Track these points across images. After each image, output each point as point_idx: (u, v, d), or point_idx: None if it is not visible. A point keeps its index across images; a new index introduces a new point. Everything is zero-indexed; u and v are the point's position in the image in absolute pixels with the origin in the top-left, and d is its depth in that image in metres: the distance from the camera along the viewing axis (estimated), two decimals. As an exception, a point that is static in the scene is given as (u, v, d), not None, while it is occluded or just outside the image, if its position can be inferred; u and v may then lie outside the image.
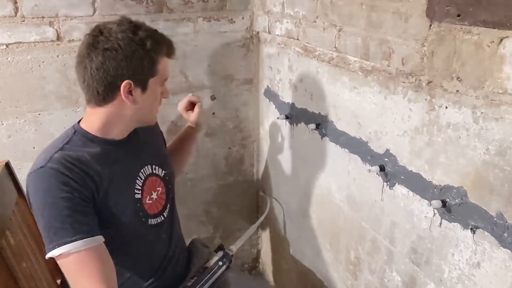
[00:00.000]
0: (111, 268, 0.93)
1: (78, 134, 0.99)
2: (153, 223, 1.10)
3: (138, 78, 0.95)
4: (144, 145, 1.11)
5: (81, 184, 0.92)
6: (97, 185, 0.96)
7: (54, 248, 0.88)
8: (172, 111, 1.49)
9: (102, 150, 0.99)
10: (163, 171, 1.15)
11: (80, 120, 1.03)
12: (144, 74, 0.96)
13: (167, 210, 1.15)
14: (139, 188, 1.06)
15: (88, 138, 0.99)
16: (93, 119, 1.00)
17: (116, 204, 1.00)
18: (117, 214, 1.01)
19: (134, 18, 1.37)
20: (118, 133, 1.02)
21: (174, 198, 1.21)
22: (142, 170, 1.09)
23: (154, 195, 1.11)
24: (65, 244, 0.88)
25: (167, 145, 1.33)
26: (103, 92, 0.95)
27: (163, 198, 1.14)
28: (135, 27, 0.96)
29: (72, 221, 0.89)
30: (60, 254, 0.88)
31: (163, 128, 1.40)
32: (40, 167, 0.91)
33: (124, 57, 0.92)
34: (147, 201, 1.08)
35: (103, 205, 0.97)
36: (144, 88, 0.97)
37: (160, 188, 1.13)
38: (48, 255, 0.89)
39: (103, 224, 0.95)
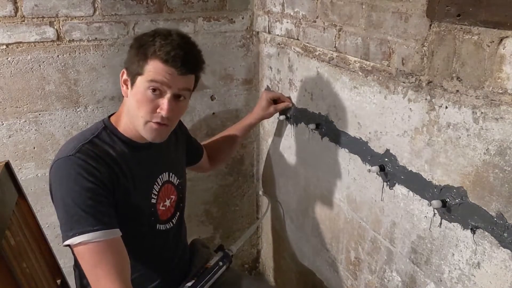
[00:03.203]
0: (127, 262, 0.94)
1: (107, 129, 1.02)
2: (161, 228, 1.11)
3: (130, 70, 0.97)
4: (165, 151, 1.12)
5: (106, 177, 0.94)
6: (119, 181, 0.97)
7: (74, 235, 0.88)
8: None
9: (127, 150, 1.02)
10: (178, 180, 1.17)
11: (111, 115, 1.06)
12: (134, 68, 0.96)
13: (176, 217, 1.17)
14: (156, 193, 1.08)
15: (116, 135, 1.02)
16: (119, 113, 1.04)
17: (132, 204, 1.01)
18: (130, 215, 1.02)
19: (134, 18, 1.39)
20: (138, 135, 1.02)
21: (184, 207, 1.22)
22: (160, 176, 1.10)
23: (168, 202, 1.13)
24: (86, 233, 0.88)
25: (217, 136, 1.44)
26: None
27: (173, 206, 1.16)
28: (165, 31, 0.96)
29: (94, 211, 0.90)
30: (79, 243, 0.88)
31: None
32: (68, 156, 0.93)
33: (131, 48, 0.98)
34: (161, 207, 1.10)
35: (120, 203, 0.98)
36: (132, 83, 0.97)
37: (173, 196, 1.15)
38: (66, 242, 0.90)
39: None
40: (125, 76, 0.99)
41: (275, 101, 1.43)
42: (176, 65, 0.93)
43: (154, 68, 0.93)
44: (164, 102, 0.94)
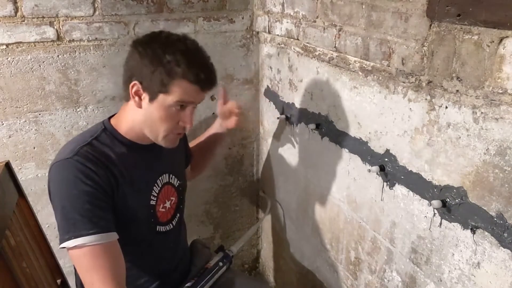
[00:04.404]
0: (122, 266, 0.94)
1: (107, 131, 1.02)
2: (161, 230, 1.11)
3: (147, 85, 0.95)
4: (165, 153, 1.11)
5: (104, 180, 0.94)
6: (118, 184, 0.97)
7: (70, 238, 0.88)
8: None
9: (127, 152, 1.01)
10: (178, 182, 1.17)
11: (111, 116, 1.06)
12: (153, 85, 0.94)
13: (176, 219, 1.16)
14: (155, 195, 1.08)
15: (116, 137, 1.02)
16: (121, 116, 1.04)
17: (131, 207, 1.01)
18: (130, 217, 1.02)
19: (134, 18, 1.39)
20: (140, 138, 1.03)
21: (184, 209, 1.22)
22: (160, 178, 1.10)
23: (167, 204, 1.12)
24: (81, 237, 0.88)
25: (194, 141, 1.39)
26: (123, 85, 1.00)
27: (174, 208, 1.15)
28: (181, 45, 0.95)
29: (91, 215, 0.90)
30: (74, 246, 0.88)
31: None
32: (67, 158, 0.93)
33: (144, 60, 0.95)
34: (160, 209, 1.10)
35: (119, 205, 0.98)
36: (152, 98, 0.96)
37: (173, 198, 1.15)
38: (62, 245, 0.90)
39: (114, 224, 0.96)
40: (137, 88, 0.96)
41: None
42: (204, 85, 0.97)
43: (181, 88, 0.94)
44: (187, 115, 0.99)
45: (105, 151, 0.98)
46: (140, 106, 0.98)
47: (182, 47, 0.95)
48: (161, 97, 0.95)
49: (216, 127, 1.37)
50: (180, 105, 0.97)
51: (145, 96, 0.96)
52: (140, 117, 0.99)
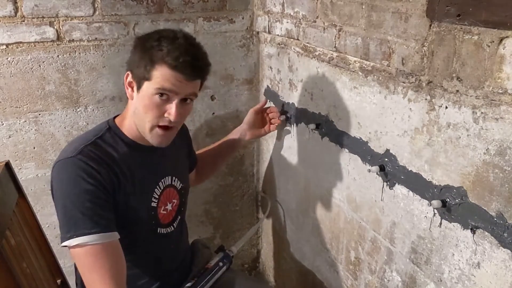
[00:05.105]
0: (123, 265, 0.94)
1: (111, 130, 1.02)
2: (163, 232, 1.11)
3: (136, 73, 0.96)
4: (168, 155, 1.11)
5: (106, 179, 0.94)
6: (120, 184, 0.97)
7: (71, 237, 0.89)
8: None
9: (130, 152, 1.01)
10: (181, 184, 1.16)
11: (116, 116, 1.06)
12: (140, 72, 0.95)
13: (177, 221, 1.16)
14: (157, 197, 1.08)
15: (120, 137, 1.02)
16: (124, 114, 1.04)
17: (132, 207, 1.01)
18: (131, 218, 1.02)
19: (134, 18, 1.39)
20: (142, 137, 1.02)
21: (185, 211, 1.22)
22: (162, 180, 1.10)
23: (169, 206, 1.12)
24: (83, 236, 0.89)
25: (207, 148, 1.41)
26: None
27: (175, 210, 1.15)
28: (171, 34, 0.95)
29: (92, 214, 0.90)
30: (76, 245, 0.89)
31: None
32: (70, 157, 0.93)
33: (136, 49, 0.97)
34: (162, 211, 1.10)
35: (121, 205, 0.98)
36: (139, 87, 0.96)
37: (175, 200, 1.14)
38: (64, 244, 0.90)
39: (116, 224, 0.96)
40: (129, 79, 0.98)
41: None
42: (184, 71, 0.93)
43: (162, 75, 0.92)
44: (172, 107, 0.95)
45: (108, 151, 0.98)
46: (132, 97, 0.99)
47: (171, 34, 0.95)
48: (145, 85, 0.94)
49: (235, 135, 1.40)
50: (161, 93, 0.93)
51: (134, 86, 0.97)
52: (132, 109, 1.00)
